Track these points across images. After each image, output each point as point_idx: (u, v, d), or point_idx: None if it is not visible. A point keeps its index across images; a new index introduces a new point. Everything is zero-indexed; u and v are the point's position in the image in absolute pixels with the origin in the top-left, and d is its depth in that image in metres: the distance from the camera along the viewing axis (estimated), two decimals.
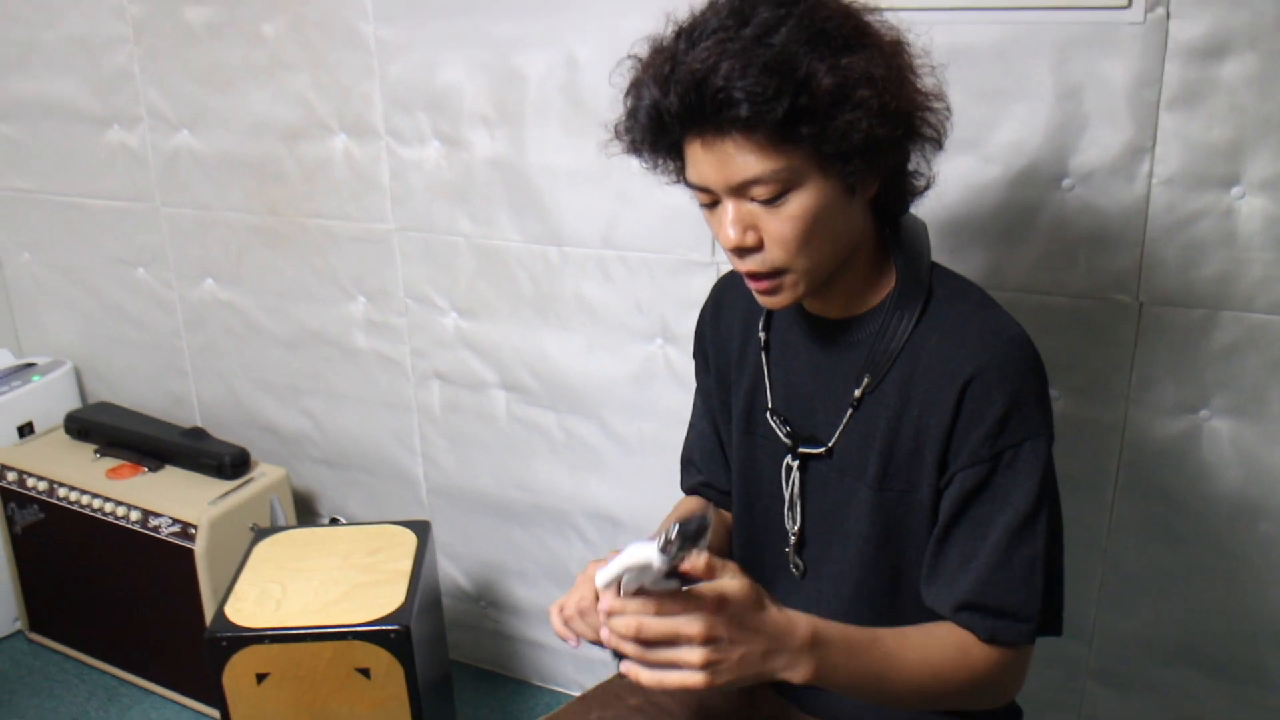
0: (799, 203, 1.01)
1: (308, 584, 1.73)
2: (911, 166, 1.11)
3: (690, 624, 0.92)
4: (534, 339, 1.95)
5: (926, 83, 1.06)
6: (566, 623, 1.09)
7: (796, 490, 1.19)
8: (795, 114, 0.95)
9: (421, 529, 1.88)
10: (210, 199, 2.18)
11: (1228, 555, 1.52)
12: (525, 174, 1.83)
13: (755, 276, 1.07)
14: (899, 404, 1.09)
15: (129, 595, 2.16)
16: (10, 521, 2.28)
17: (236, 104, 2.06)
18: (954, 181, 1.47)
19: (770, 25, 0.96)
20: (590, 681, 1.97)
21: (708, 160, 1.01)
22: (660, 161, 1.10)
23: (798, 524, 1.20)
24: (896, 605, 1.15)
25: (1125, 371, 1.49)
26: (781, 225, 1.01)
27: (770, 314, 1.23)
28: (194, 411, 2.43)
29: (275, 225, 2.13)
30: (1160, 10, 1.33)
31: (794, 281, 1.06)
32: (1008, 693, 1.12)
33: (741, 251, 1.04)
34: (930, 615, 1.12)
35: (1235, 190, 1.36)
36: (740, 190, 1.01)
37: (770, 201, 1.01)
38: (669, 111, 0.99)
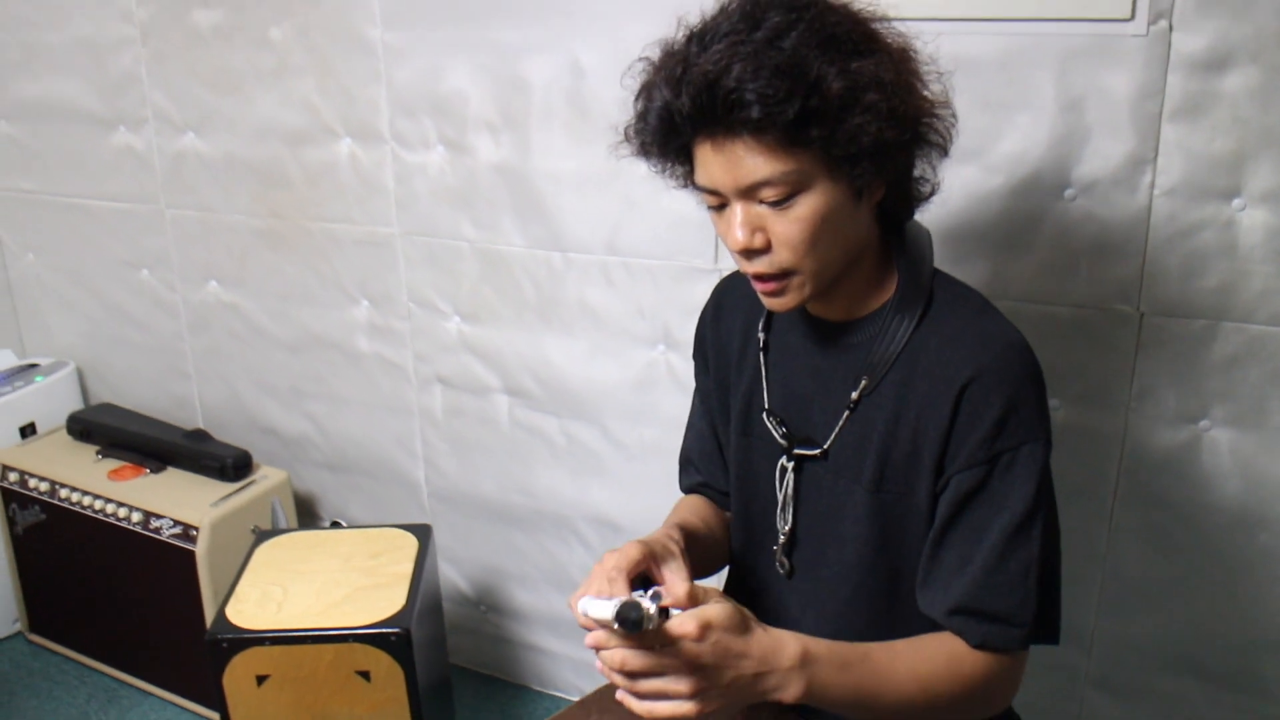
0: (807, 205, 1.01)
1: (309, 586, 1.74)
2: (917, 173, 1.12)
3: (675, 659, 0.94)
4: (537, 344, 1.95)
5: (933, 90, 1.07)
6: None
7: (790, 491, 1.19)
8: (805, 116, 0.96)
9: (423, 532, 1.88)
10: (215, 202, 2.19)
11: (1227, 565, 1.53)
12: (529, 179, 1.84)
13: (762, 278, 1.07)
14: (896, 407, 1.10)
15: (130, 597, 2.16)
16: (11, 522, 2.28)
17: (242, 107, 2.07)
18: (957, 191, 1.48)
19: (781, 29, 0.97)
20: (589, 686, 1.97)
21: (718, 162, 1.01)
22: (669, 165, 1.11)
23: (789, 525, 1.21)
24: (895, 608, 1.16)
25: (1126, 381, 1.50)
26: (790, 227, 1.02)
27: (770, 315, 1.24)
28: (196, 413, 2.43)
29: (279, 229, 2.14)
30: (1163, 23, 1.33)
31: (800, 283, 1.07)
32: (1000, 702, 1.12)
33: (750, 253, 1.05)
34: (927, 618, 1.12)
35: (1236, 202, 1.37)
36: (750, 192, 1.02)
37: (779, 203, 1.01)
38: (680, 113, 1.00)
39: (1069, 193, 1.45)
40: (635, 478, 1.94)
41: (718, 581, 1.40)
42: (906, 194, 1.13)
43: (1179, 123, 1.37)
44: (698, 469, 1.38)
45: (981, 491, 1.06)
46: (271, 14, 1.97)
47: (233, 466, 2.13)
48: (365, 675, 1.65)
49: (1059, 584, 1.10)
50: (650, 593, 0.92)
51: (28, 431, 2.40)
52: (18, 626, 2.44)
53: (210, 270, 2.27)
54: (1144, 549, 1.57)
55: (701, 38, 1.01)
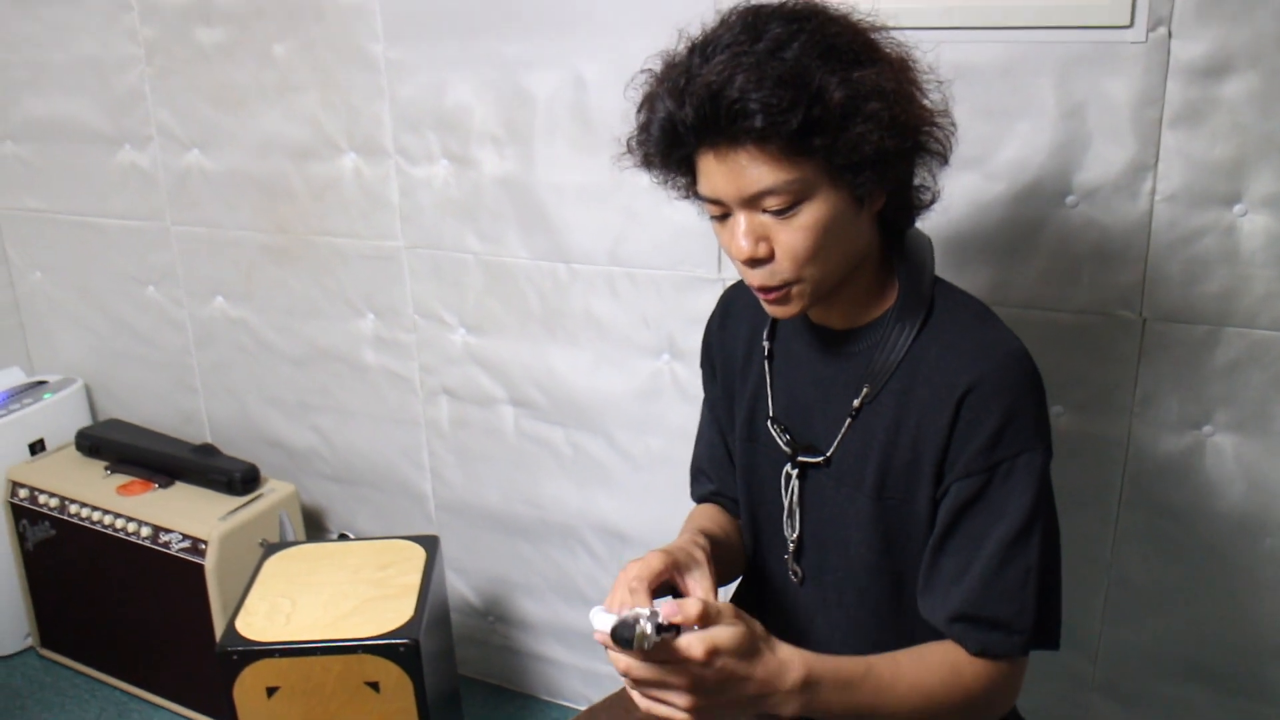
0: (810, 214, 1.02)
1: (317, 598, 1.74)
2: (918, 181, 1.13)
3: (677, 676, 0.95)
4: (542, 355, 1.96)
5: (933, 98, 1.08)
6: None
7: (795, 498, 1.20)
8: (808, 126, 0.97)
9: (430, 544, 1.89)
10: (220, 218, 2.20)
11: (1232, 570, 1.53)
12: (533, 192, 1.85)
13: (765, 288, 1.08)
14: (897, 415, 1.10)
15: (140, 611, 2.17)
16: (22, 538, 2.29)
17: (247, 124, 2.09)
18: (959, 198, 1.49)
19: (783, 40, 0.98)
20: (597, 695, 1.98)
21: (721, 172, 1.02)
22: (671, 176, 1.11)
23: (796, 532, 1.21)
24: (902, 612, 1.16)
25: (1129, 387, 1.50)
26: (793, 236, 1.03)
27: (775, 323, 1.24)
28: (204, 428, 2.44)
29: (285, 243, 2.15)
30: (1162, 30, 1.34)
31: (801, 291, 1.07)
32: (1000, 708, 1.12)
33: (754, 262, 1.06)
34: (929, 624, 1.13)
35: (1237, 207, 1.38)
36: (753, 202, 1.03)
37: (782, 212, 1.02)
38: (684, 123, 1.01)
39: (1070, 199, 1.46)
40: (641, 487, 1.94)
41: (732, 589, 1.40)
42: (907, 202, 1.14)
43: (1179, 129, 1.37)
44: (709, 478, 1.39)
45: (980, 500, 1.06)
46: (275, 31, 1.98)
47: (241, 480, 2.14)
48: (375, 686, 1.66)
49: (1059, 591, 1.10)
50: (649, 612, 0.92)
51: (37, 448, 2.42)
52: (29, 641, 2.45)
53: (216, 285, 2.28)
54: (1148, 554, 1.57)
55: (704, 49, 1.01)
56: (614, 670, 0.98)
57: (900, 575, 1.15)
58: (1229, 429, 1.47)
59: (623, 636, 0.91)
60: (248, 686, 1.64)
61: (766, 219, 1.03)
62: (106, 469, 2.27)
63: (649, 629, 0.91)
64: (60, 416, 2.46)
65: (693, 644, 0.94)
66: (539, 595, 2.16)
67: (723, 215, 1.07)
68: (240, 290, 2.25)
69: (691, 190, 1.11)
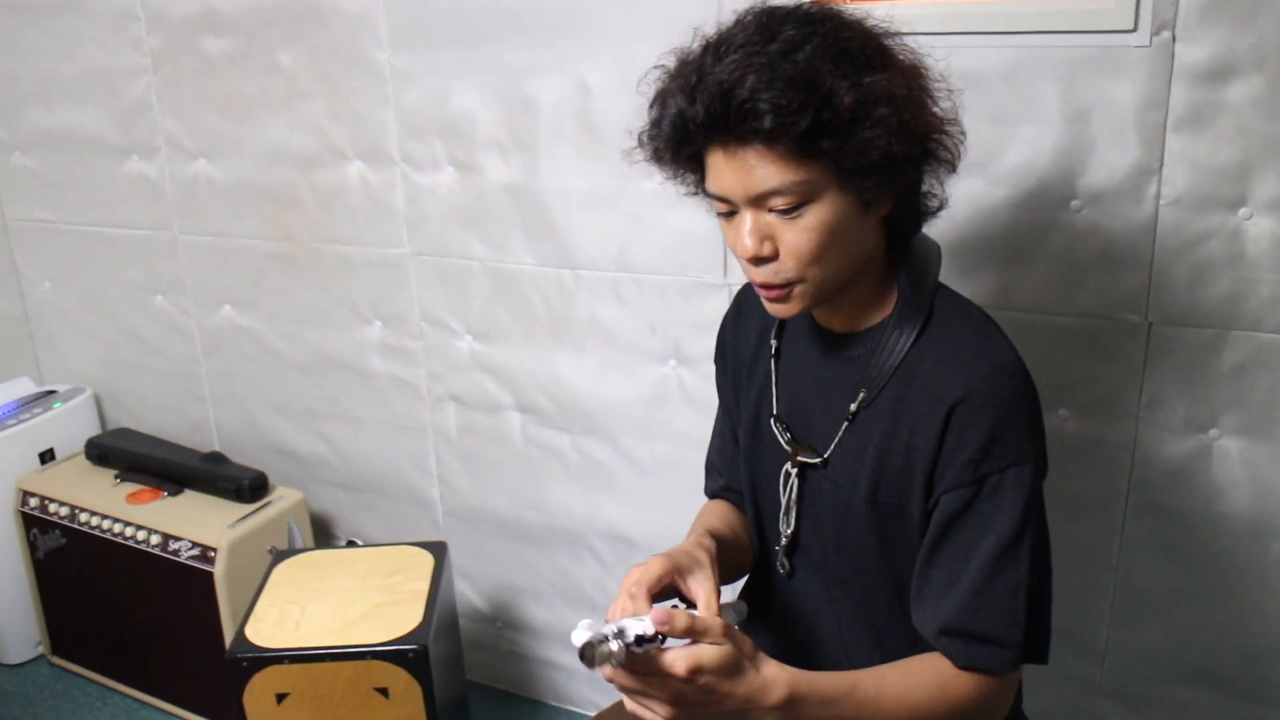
0: (816, 215, 1.03)
1: (326, 605, 1.75)
2: (925, 188, 1.13)
3: (660, 688, 0.97)
4: (548, 361, 1.96)
5: (943, 106, 1.08)
6: None
7: (794, 497, 1.21)
8: (817, 128, 0.97)
9: (438, 550, 1.89)
10: (227, 226, 2.21)
11: (1238, 574, 1.53)
12: (539, 198, 1.86)
13: (767, 286, 1.09)
14: (891, 421, 1.11)
15: (150, 618, 2.18)
16: (33, 547, 2.30)
17: (253, 133, 2.10)
18: (963, 203, 1.49)
19: (796, 43, 0.99)
20: (605, 701, 1.98)
21: (729, 170, 1.03)
22: (680, 172, 1.12)
23: (790, 528, 1.22)
24: (905, 612, 1.17)
25: (1135, 391, 1.50)
26: (798, 237, 1.04)
27: (783, 323, 1.25)
28: (212, 436, 2.45)
29: (291, 251, 2.16)
30: (1166, 34, 1.34)
31: (804, 292, 1.08)
32: (998, 716, 1.12)
33: (758, 261, 1.06)
34: None
35: (1243, 211, 1.38)
36: (760, 201, 1.03)
37: (788, 212, 1.03)
38: (694, 120, 1.02)
39: (1075, 204, 1.46)
40: (648, 493, 1.95)
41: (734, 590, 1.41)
42: (914, 209, 1.14)
43: (1184, 133, 1.37)
44: (720, 473, 1.40)
45: (968, 513, 1.06)
46: (280, 40, 1.99)
47: (249, 488, 2.15)
48: (384, 692, 1.66)
49: (1048, 605, 1.10)
50: (616, 629, 0.94)
51: (47, 457, 2.43)
52: (40, 650, 2.46)
53: (224, 294, 2.29)
54: (1154, 559, 1.57)
55: (717, 48, 1.02)
56: None
57: (901, 575, 1.16)
58: (1235, 433, 1.47)
59: (584, 655, 0.92)
60: (257, 693, 1.65)
61: (772, 218, 1.04)
62: (116, 478, 2.28)
63: (613, 647, 0.93)
64: (70, 426, 2.47)
65: (676, 660, 0.95)
66: (546, 601, 2.16)
67: (729, 213, 1.07)
68: (248, 299, 2.26)
69: (700, 187, 1.12)
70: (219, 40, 2.06)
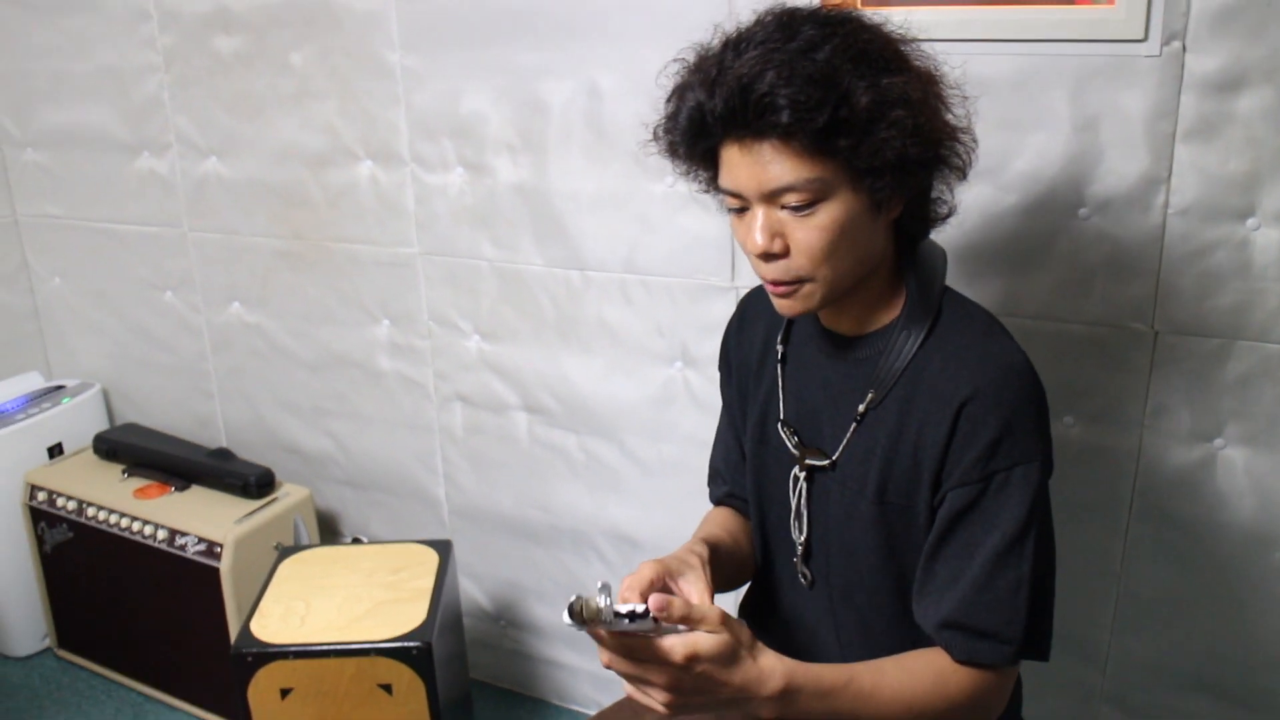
0: (827, 214, 1.04)
1: (331, 601, 1.76)
2: (935, 194, 1.14)
3: (657, 674, 0.98)
4: (555, 362, 1.97)
5: (956, 114, 1.09)
6: None
7: (803, 501, 1.21)
8: (833, 126, 0.99)
9: (443, 548, 1.90)
10: (237, 224, 2.22)
11: (1241, 583, 1.53)
12: (548, 199, 1.86)
13: (776, 283, 1.09)
14: (899, 422, 1.12)
15: (156, 613, 2.19)
16: (40, 540, 2.31)
17: (264, 131, 2.10)
18: (972, 209, 1.49)
19: (816, 42, 1.00)
20: (607, 700, 1.98)
21: (744, 165, 1.04)
22: (694, 167, 1.13)
23: (804, 534, 1.22)
24: (908, 614, 1.17)
25: (1140, 399, 1.51)
26: (809, 235, 1.04)
27: (789, 327, 1.26)
28: (220, 433, 2.46)
29: (301, 250, 2.17)
30: (1176, 44, 1.34)
31: (812, 291, 1.09)
32: (994, 713, 1.13)
33: (768, 257, 1.07)
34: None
35: (1250, 221, 1.38)
36: (773, 197, 1.04)
37: (800, 209, 1.04)
38: (712, 114, 1.03)
39: (1083, 211, 1.46)
40: (653, 494, 1.95)
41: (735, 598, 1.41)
42: (924, 214, 1.15)
43: (1193, 143, 1.38)
44: (724, 479, 1.40)
45: (974, 510, 1.07)
46: (292, 39, 2.00)
47: (256, 484, 2.16)
48: (387, 688, 1.67)
49: (1050, 604, 1.11)
50: (600, 584, 0.94)
51: (55, 452, 2.44)
52: (47, 643, 2.47)
53: (233, 291, 2.30)
54: (1158, 566, 1.57)
55: (737, 45, 1.03)
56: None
57: (905, 578, 1.16)
58: (1240, 442, 1.48)
59: (574, 609, 0.92)
60: (262, 688, 1.66)
61: (784, 215, 1.05)
62: (124, 472, 2.29)
63: (601, 602, 0.93)
64: (78, 421, 2.48)
65: (674, 647, 0.96)
66: (551, 600, 2.17)
67: (741, 209, 1.08)
68: (256, 296, 2.27)
69: (713, 184, 1.13)
70: (231, 39, 2.07)
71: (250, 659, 1.65)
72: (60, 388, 2.53)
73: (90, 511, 2.20)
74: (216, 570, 2.04)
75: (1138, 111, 1.39)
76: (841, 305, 1.15)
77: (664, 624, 0.97)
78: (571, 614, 0.92)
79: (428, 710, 1.68)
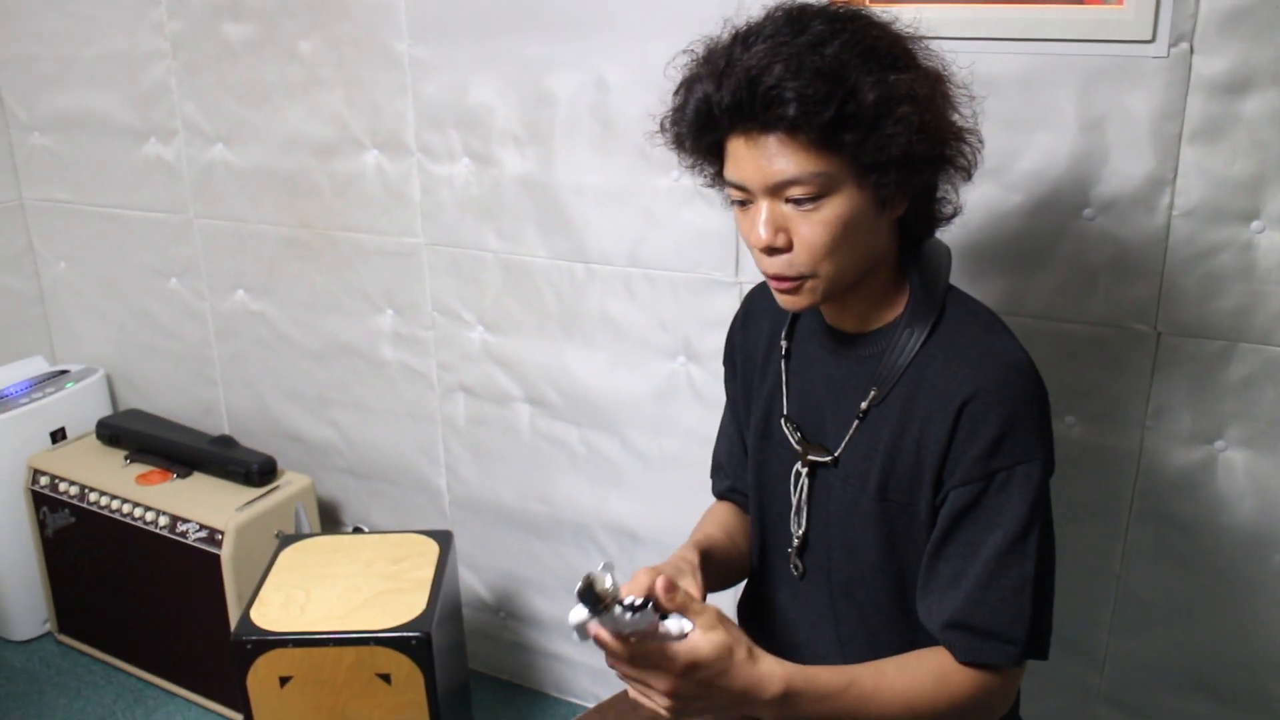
0: (832, 209, 1.04)
1: (331, 590, 1.76)
2: (940, 193, 1.14)
3: (659, 679, 0.99)
4: (558, 354, 1.97)
5: (963, 113, 1.10)
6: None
7: (804, 497, 1.21)
8: (840, 120, 0.99)
9: (444, 539, 1.91)
10: (243, 212, 2.23)
11: (1241, 585, 1.53)
12: (554, 192, 1.86)
13: (778, 278, 1.10)
14: (901, 419, 1.12)
15: (156, 599, 2.20)
16: (42, 525, 2.32)
17: (271, 119, 2.11)
18: (977, 208, 1.49)
19: (825, 37, 1.01)
20: (606, 693, 1.99)
21: (750, 158, 1.04)
22: (700, 161, 1.13)
23: (802, 529, 1.23)
24: (908, 611, 1.17)
25: (1142, 400, 1.51)
26: (813, 229, 1.05)
27: (794, 324, 1.26)
28: (223, 420, 2.47)
29: (306, 238, 2.17)
30: (1184, 45, 1.34)
31: (814, 286, 1.09)
32: (998, 711, 1.13)
33: (771, 251, 1.07)
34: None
35: (1255, 224, 1.38)
36: (778, 190, 1.04)
37: (804, 203, 1.04)
38: (719, 105, 1.03)
39: (1088, 212, 1.46)
40: (654, 488, 1.96)
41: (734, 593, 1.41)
42: (928, 213, 1.16)
43: (1198, 144, 1.38)
44: (727, 473, 1.41)
45: (976, 508, 1.07)
46: (301, 28, 2.00)
47: (258, 472, 2.16)
48: (386, 678, 1.67)
49: (1051, 602, 1.11)
50: (603, 564, 0.96)
51: (58, 436, 2.44)
52: (47, 627, 2.48)
53: (238, 279, 2.30)
54: (1157, 568, 1.57)
55: (746, 38, 1.04)
56: None
57: (905, 576, 1.17)
58: (1241, 444, 1.48)
59: (586, 594, 0.93)
60: (261, 675, 1.66)
61: (788, 210, 1.05)
62: (126, 458, 2.30)
63: (608, 581, 0.94)
64: (81, 406, 2.49)
65: (676, 655, 0.98)
66: (550, 592, 2.17)
67: (745, 201, 1.08)
68: (261, 284, 2.27)
69: (718, 179, 1.13)
70: (239, 26, 2.07)
71: (250, 646, 1.65)
72: (64, 372, 2.54)
73: (92, 497, 2.21)
74: (217, 557, 2.04)
75: (1144, 112, 1.39)
76: (845, 302, 1.15)
77: (664, 616, 0.97)
78: (582, 595, 0.93)
79: (426, 700, 1.69)
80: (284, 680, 1.67)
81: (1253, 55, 1.32)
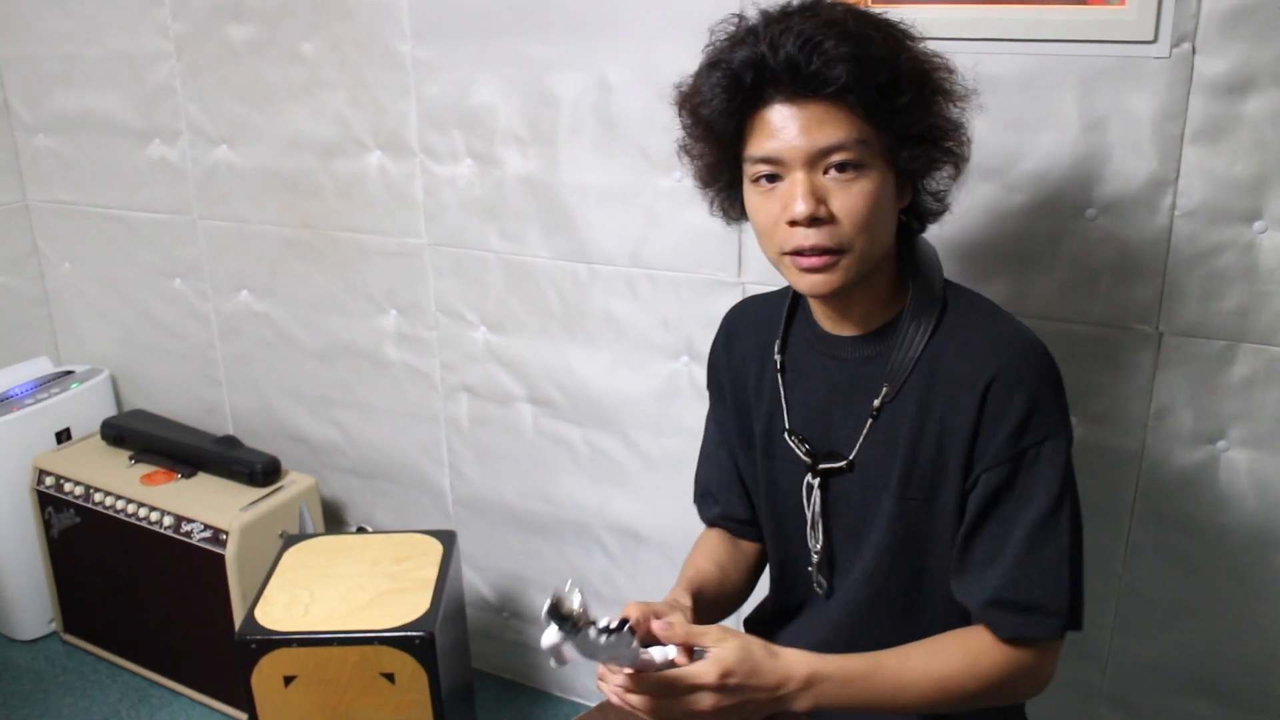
0: (870, 180, 1.06)
1: (335, 590, 1.77)
2: (935, 186, 1.17)
3: (697, 701, 1.01)
4: (561, 354, 1.98)
5: (960, 107, 1.12)
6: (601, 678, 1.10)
7: (818, 509, 1.21)
8: (885, 87, 1.03)
9: (447, 538, 1.91)
10: (247, 212, 2.23)
11: (1243, 585, 1.53)
12: (556, 192, 1.87)
13: (816, 252, 1.07)
14: (919, 412, 1.12)
15: (161, 599, 2.20)
16: (47, 525, 2.33)
17: (275, 120, 2.11)
18: (978, 209, 1.50)
19: (847, 17, 1.05)
20: None
21: (795, 123, 1.05)
22: (715, 136, 1.12)
23: (820, 543, 1.22)
24: (914, 610, 1.18)
25: (1144, 400, 1.51)
26: (853, 199, 1.06)
27: (786, 338, 1.26)
28: (227, 420, 2.47)
29: (310, 239, 2.17)
30: (1186, 45, 1.34)
31: (848, 264, 1.08)
32: (1026, 693, 1.14)
33: (813, 221, 1.06)
34: (949, 616, 1.15)
35: (1257, 225, 1.38)
36: (819, 158, 1.05)
37: (847, 169, 1.05)
38: (771, 67, 1.03)
39: (1090, 212, 1.46)
40: (656, 487, 1.96)
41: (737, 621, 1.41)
42: (924, 207, 1.18)
43: (1200, 145, 1.38)
44: (716, 500, 1.39)
45: (1009, 488, 1.09)
46: (303, 29, 2.00)
47: (262, 472, 2.17)
48: (390, 677, 1.68)
49: (1082, 573, 1.12)
50: (569, 582, 0.96)
51: (63, 437, 2.45)
52: (53, 626, 2.49)
53: (242, 279, 2.31)
54: (1160, 568, 1.57)
55: (779, 17, 1.07)
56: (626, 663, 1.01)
57: (917, 574, 1.17)
58: (1243, 445, 1.48)
59: (554, 612, 0.93)
60: (265, 675, 1.67)
61: (826, 180, 1.06)
62: (131, 459, 2.31)
63: (575, 602, 0.93)
64: (86, 406, 2.50)
65: (705, 671, 0.99)
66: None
67: (773, 177, 1.08)
68: (265, 285, 2.28)
69: (725, 165, 1.14)
70: (242, 27, 2.07)
71: (254, 646, 1.66)
72: (69, 373, 2.54)
73: (97, 497, 2.21)
74: (222, 557, 2.05)
75: (1146, 113, 1.39)
76: (848, 304, 1.16)
77: (643, 646, 0.99)
78: (551, 613, 0.92)
79: (429, 700, 1.69)
80: (288, 680, 1.68)
81: (1254, 55, 1.31)
